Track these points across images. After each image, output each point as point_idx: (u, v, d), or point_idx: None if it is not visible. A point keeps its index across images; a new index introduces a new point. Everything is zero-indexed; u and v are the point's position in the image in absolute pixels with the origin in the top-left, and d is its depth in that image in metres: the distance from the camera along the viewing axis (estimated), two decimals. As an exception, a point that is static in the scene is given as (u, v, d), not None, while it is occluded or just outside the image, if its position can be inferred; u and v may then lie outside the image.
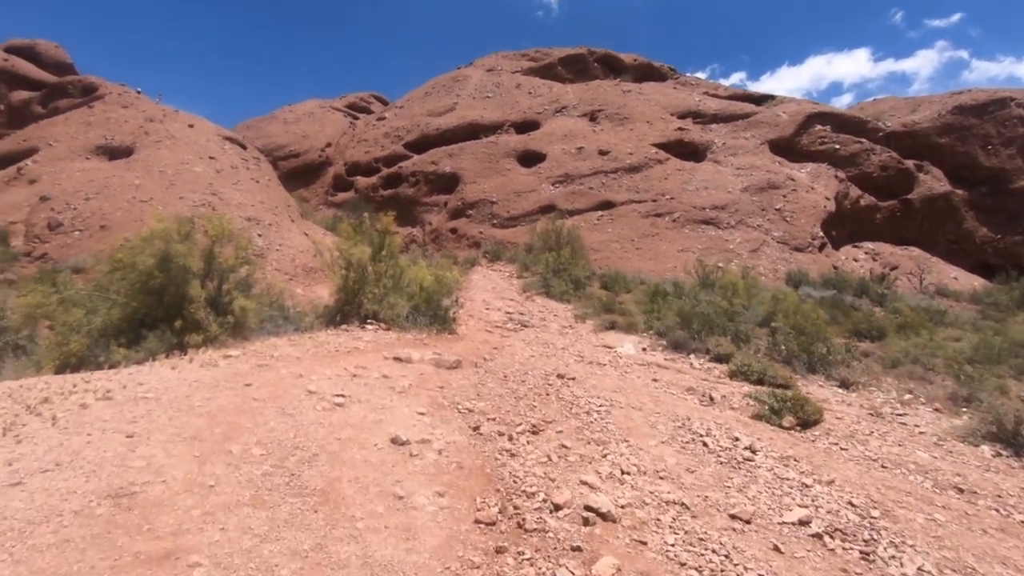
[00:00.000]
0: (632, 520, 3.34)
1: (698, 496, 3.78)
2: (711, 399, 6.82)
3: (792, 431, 5.55)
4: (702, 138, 31.17)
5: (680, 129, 31.05)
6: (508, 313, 16.93)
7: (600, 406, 6.12)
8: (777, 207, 27.74)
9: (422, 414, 5.24)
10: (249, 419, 4.55)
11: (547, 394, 6.61)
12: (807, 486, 4.10)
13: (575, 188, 30.17)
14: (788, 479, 4.20)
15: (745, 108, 32.36)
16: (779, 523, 3.54)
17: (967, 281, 27.58)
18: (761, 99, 34.38)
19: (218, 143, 28.59)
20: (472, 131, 34.09)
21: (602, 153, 30.79)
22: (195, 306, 8.18)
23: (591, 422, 5.46)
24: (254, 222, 22.17)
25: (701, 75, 39.85)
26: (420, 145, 35.55)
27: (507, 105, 35.31)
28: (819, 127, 30.56)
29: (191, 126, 29.19)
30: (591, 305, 16.91)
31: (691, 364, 9.42)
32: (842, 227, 28.89)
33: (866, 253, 28.13)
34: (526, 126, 33.69)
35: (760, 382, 7.72)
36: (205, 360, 6.65)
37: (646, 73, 38.04)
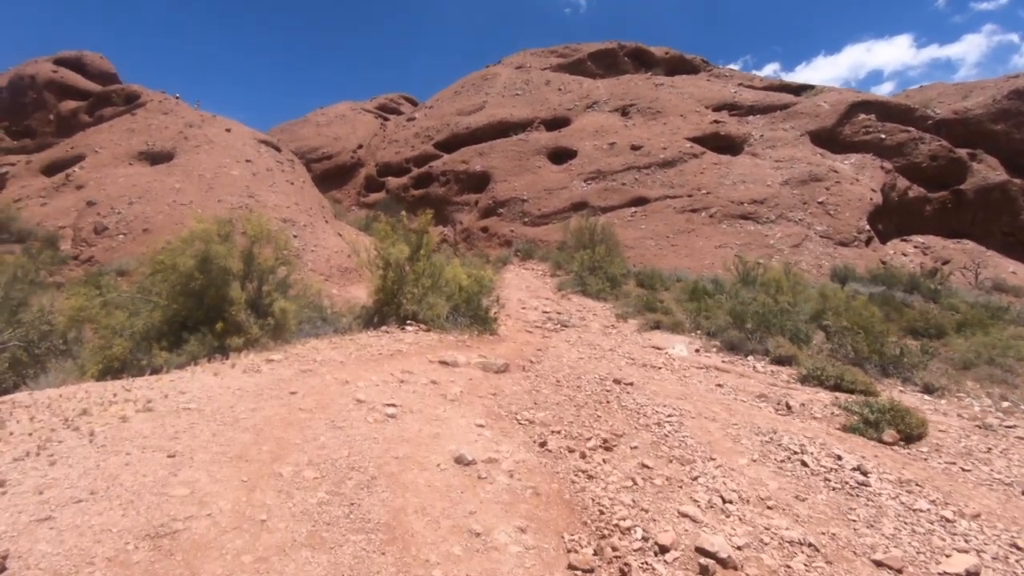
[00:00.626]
0: (759, 569, 2.77)
1: (823, 533, 3.20)
2: (788, 407, 6.16)
3: (895, 447, 4.89)
4: (738, 131, 30.08)
5: (715, 122, 30.01)
6: (546, 312, 16.41)
7: (669, 416, 5.54)
8: (820, 200, 26.55)
9: (481, 426, 4.74)
10: (298, 433, 4.11)
11: (607, 402, 6.05)
12: (949, 521, 3.47)
13: (607, 184, 29.42)
14: (922, 511, 3.57)
15: (783, 99, 31.11)
16: (939, 574, 2.92)
17: (1025, 275, 25.95)
18: (799, 89, 33.04)
19: (254, 146, 28.69)
20: (502, 129, 33.59)
21: (635, 148, 29.96)
22: (236, 308, 7.86)
23: (665, 435, 4.89)
24: (290, 223, 22.07)
25: (734, 67, 38.52)
26: (450, 144, 35.20)
27: (537, 102, 34.70)
28: (863, 116, 29.17)
29: (228, 130, 29.37)
30: (631, 304, 16.26)
31: (753, 367, 8.74)
32: (889, 220, 27.52)
33: (915, 247, 26.74)
34: (556, 123, 33.04)
35: (837, 388, 7.01)
36: (247, 365, 6.28)
37: (678, 66, 36.96)
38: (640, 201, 28.22)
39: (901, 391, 7.63)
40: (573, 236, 24.88)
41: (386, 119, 44.92)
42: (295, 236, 21.43)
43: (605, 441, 4.54)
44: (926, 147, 28.16)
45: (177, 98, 30.69)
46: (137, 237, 20.27)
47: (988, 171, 27.91)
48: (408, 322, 9.88)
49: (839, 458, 4.31)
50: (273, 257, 8.76)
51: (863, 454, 4.57)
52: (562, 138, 31.64)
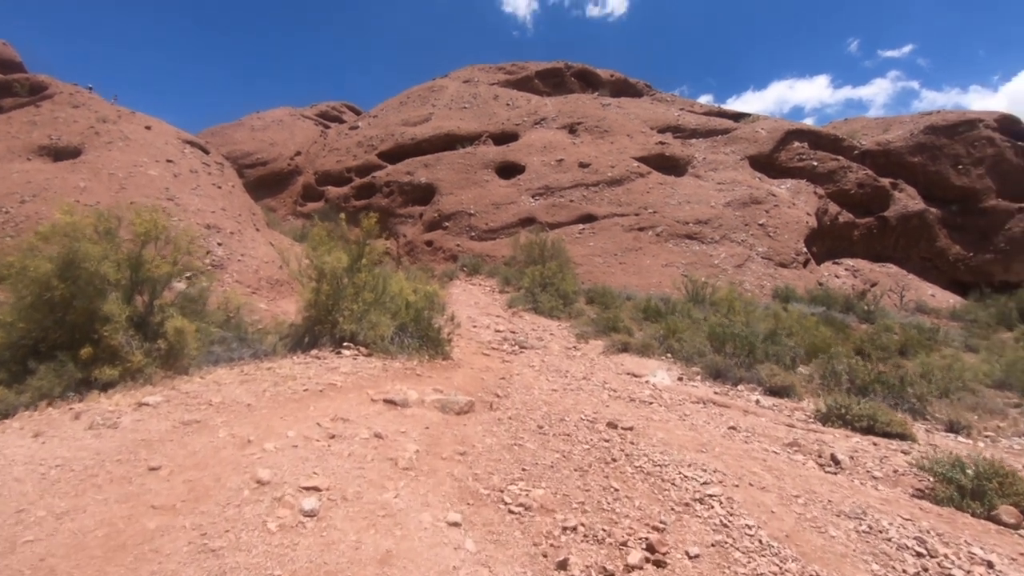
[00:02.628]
0: None
1: None
2: (835, 461, 4.72)
3: (1021, 531, 3.51)
4: (683, 152, 29.76)
5: (661, 143, 29.57)
6: (499, 331, 14.70)
7: (705, 484, 3.93)
8: (760, 222, 26.39)
9: (456, 525, 2.95)
10: (128, 569, 2.18)
11: (614, 460, 4.39)
12: None
13: (556, 200, 28.24)
14: None
15: (724, 124, 31.16)
16: None
17: (943, 298, 26.70)
18: (738, 116, 33.33)
19: (177, 146, 25.55)
20: (449, 141, 31.87)
21: (583, 166, 29.00)
22: (111, 328, 5.66)
23: (722, 524, 3.27)
24: (214, 230, 19.33)
25: (675, 94, 38.73)
26: (395, 155, 33.10)
27: (484, 116, 33.26)
28: (797, 144, 29.54)
29: (148, 128, 26.06)
30: (589, 323, 14.85)
31: (755, 401, 7.34)
32: (822, 243, 27.76)
33: (847, 269, 27.02)
34: (504, 137, 31.68)
35: (870, 430, 5.68)
36: (102, 414, 4.17)
37: (622, 88, 36.64)
38: (589, 218, 27.18)
39: (928, 431, 6.43)
40: (522, 251, 23.41)
41: (327, 127, 42.13)
42: (220, 244, 18.74)
43: (649, 547, 2.85)
44: (853, 175, 28.75)
45: (90, 89, 27.12)
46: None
47: (908, 200, 28.79)
48: (345, 344, 7.90)
49: (990, 565, 2.84)
50: (171, 263, 6.59)
51: (994, 550, 3.12)
52: (510, 153, 30.27)
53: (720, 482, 3.97)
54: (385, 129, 34.97)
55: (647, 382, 8.25)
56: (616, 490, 3.71)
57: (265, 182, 36.13)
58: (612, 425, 5.41)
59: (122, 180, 20.35)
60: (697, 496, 3.65)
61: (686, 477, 4.03)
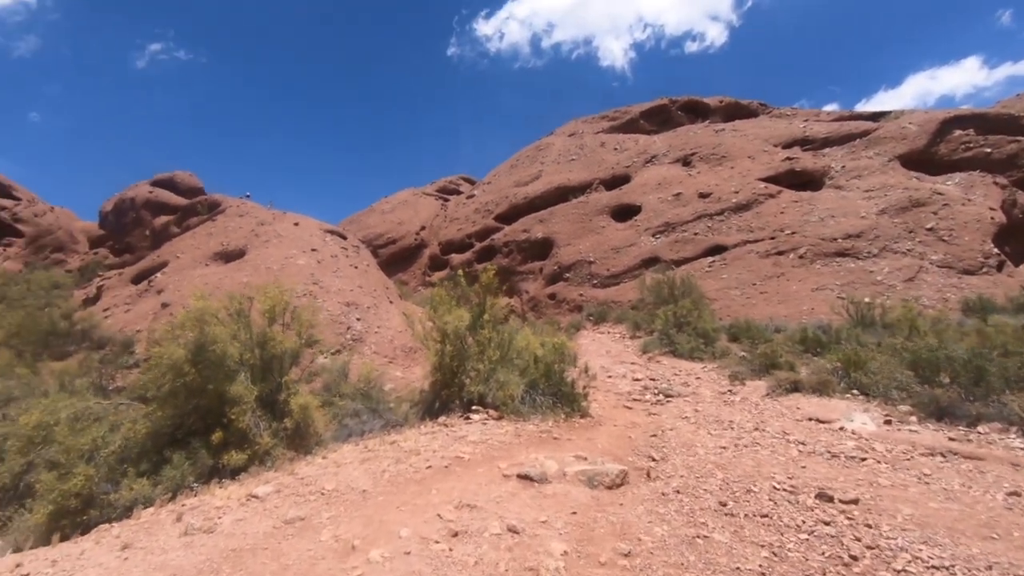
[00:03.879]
0: None
1: None
2: None
3: None
4: (816, 165, 26.57)
5: (788, 159, 26.71)
6: (637, 380, 13.21)
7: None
8: (928, 227, 22.25)
9: None
10: None
11: (853, 558, 2.92)
12: None
13: (678, 236, 26.35)
14: None
15: (861, 126, 27.51)
16: None
17: None
18: (875, 116, 29.36)
19: (320, 236, 27.89)
20: (560, 194, 31.60)
21: (703, 196, 26.98)
22: (239, 410, 5.36)
23: None
24: (353, 306, 20.26)
25: (795, 108, 35.46)
26: (510, 216, 33.50)
27: (593, 164, 32.71)
28: (959, 132, 25.05)
29: (296, 224, 28.86)
30: (740, 362, 12.84)
31: (1012, 448, 5.20)
32: (1017, 241, 22.65)
33: (1060, 267, 21.59)
34: (616, 181, 30.72)
35: None
36: (204, 514, 3.62)
37: (734, 112, 34.30)
38: (717, 249, 24.87)
39: None
40: (650, 292, 21.77)
41: (446, 199, 44.36)
42: (358, 319, 19.51)
43: None
44: (1045, 156, 23.52)
45: (248, 197, 30.89)
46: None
47: None
48: (474, 408, 7.11)
49: None
50: (295, 337, 6.33)
51: None
52: (624, 195, 29.16)
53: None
54: (499, 193, 35.76)
55: (842, 429, 6.36)
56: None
57: (396, 258, 38.37)
58: (825, 497, 3.87)
59: (276, 272, 22.30)
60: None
61: (996, 592, 2.46)
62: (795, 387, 9.02)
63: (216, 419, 5.56)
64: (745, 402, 8.81)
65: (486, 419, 6.62)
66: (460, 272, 9.25)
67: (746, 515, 3.53)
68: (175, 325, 5.66)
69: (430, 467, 4.56)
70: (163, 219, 38.04)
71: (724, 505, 3.75)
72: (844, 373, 9.00)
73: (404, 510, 3.45)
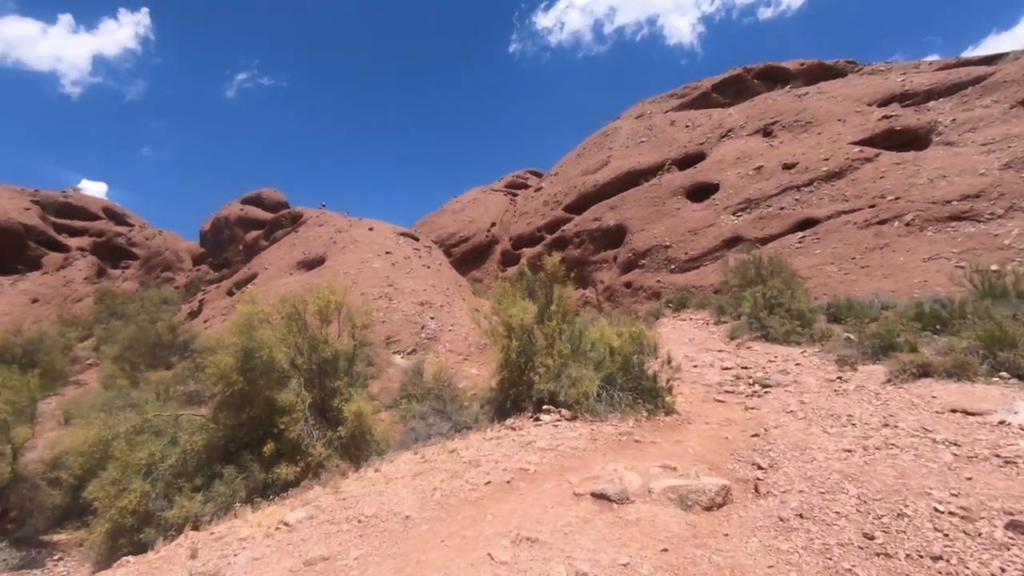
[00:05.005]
0: None
1: None
2: None
3: None
4: (919, 121, 23.59)
5: (886, 117, 23.91)
6: (726, 368, 12.09)
7: None
8: (1068, 178, 19.05)
9: None
10: None
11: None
12: None
13: (762, 212, 24.36)
14: None
15: (973, 72, 24.11)
16: None
17: None
18: (988, 60, 25.67)
19: (394, 239, 28.42)
20: (631, 178, 30.25)
21: (787, 167, 24.76)
22: (290, 420, 5.12)
23: None
24: (427, 306, 20.33)
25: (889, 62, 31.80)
26: (579, 205, 32.57)
27: (664, 144, 31.05)
28: (1101, 66, 21.31)
29: (371, 229, 29.60)
30: (848, 344, 11.40)
31: None
32: None
33: None
34: (689, 160, 28.96)
35: None
36: (220, 551, 3.28)
37: (818, 74, 31.27)
38: (808, 223, 22.73)
39: None
40: (734, 274, 20.19)
41: (515, 195, 44.03)
42: (432, 318, 19.51)
43: None
44: None
45: (323, 206, 32.06)
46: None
47: None
48: (544, 408, 6.53)
49: None
50: (349, 337, 6.04)
51: None
52: (699, 174, 27.41)
53: None
54: (567, 183, 34.90)
55: (1004, 424, 5.17)
56: None
57: (468, 257, 38.55)
58: (1020, 528, 2.93)
59: (354, 276, 22.84)
60: None
61: None
62: (924, 371, 7.67)
63: (268, 430, 5.33)
64: (862, 391, 7.61)
65: (558, 420, 6.02)
66: (524, 263, 8.69)
67: (908, 555, 2.68)
68: (229, 331, 5.54)
69: (489, 483, 4.00)
70: (253, 234, 40.44)
71: (871, 538, 2.90)
72: (987, 353, 7.55)
73: (450, 545, 2.94)
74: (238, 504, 4.41)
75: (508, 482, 3.94)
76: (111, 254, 41.74)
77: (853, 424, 5.51)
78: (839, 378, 8.68)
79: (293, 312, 5.77)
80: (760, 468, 4.24)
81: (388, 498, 3.75)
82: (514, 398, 6.94)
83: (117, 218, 43.68)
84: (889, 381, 7.69)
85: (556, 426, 5.65)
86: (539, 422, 5.84)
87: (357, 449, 5.33)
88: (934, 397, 6.40)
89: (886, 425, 5.35)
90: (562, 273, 7.57)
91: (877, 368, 8.43)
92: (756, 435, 5.52)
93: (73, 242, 38.84)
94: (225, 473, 4.83)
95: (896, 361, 7.90)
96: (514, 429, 5.67)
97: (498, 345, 7.07)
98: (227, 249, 41.55)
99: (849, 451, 4.51)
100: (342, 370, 5.79)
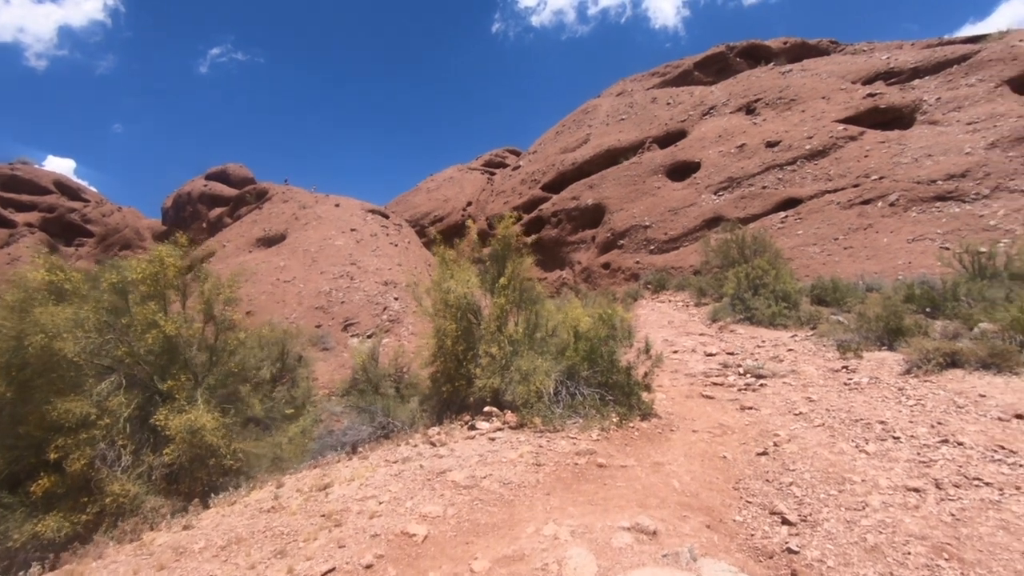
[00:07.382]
0: None
1: None
2: None
3: None
4: (904, 99, 22.78)
5: (871, 95, 23.05)
6: (711, 355, 11.02)
7: None
8: (1054, 158, 18.41)
9: None
10: None
11: None
12: None
13: (744, 191, 23.42)
14: None
15: (959, 50, 23.33)
16: None
17: None
18: (972, 40, 24.93)
19: (360, 216, 26.76)
20: (610, 157, 29.02)
21: (770, 145, 23.81)
22: (73, 441, 3.63)
23: None
24: (391, 285, 18.91)
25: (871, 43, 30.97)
26: (557, 184, 31.26)
27: (644, 122, 29.82)
28: (1088, 44, 20.66)
29: (337, 206, 27.86)
30: (844, 328, 10.46)
31: None
32: None
33: None
34: (670, 138, 27.82)
35: None
36: None
37: (801, 53, 30.29)
38: (790, 203, 21.87)
39: None
40: (716, 255, 19.22)
41: (492, 173, 42.45)
42: (395, 299, 18.12)
43: None
44: None
45: (286, 182, 30.13)
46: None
47: None
48: (487, 410, 5.22)
49: None
50: (205, 317, 4.63)
51: None
52: (680, 152, 26.30)
53: None
54: (545, 161, 33.51)
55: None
56: None
57: (443, 236, 37.04)
58: None
59: (314, 254, 21.24)
60: None
61: None
62: (952, 361, 6.57)
63: (39, 457, 3.81)
64: (879, 385, 6.48)
65: (499, 428, 4.67)
66: (469, 224, 7.40)
67: None
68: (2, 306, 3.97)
69: (331, 571, 2.57)
70: (217, 211, 38.16)
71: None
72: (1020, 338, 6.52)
73: None
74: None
75: (368, 568, 2.52)
76: (64, 231, 39.07)
77: (895, 437, 4.36)
78: (844, 368, 7.62)
79: (118, 283, 4.28)
80: (788, 523, 2.97)
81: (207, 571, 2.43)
82: (448, 396, 5.56)
83: (71, 193, 40.85)
84: (909, 372, 6.63)
85: (493, 439, 4.30)
86: (473, 431, 4.51)
87: (192, 482, 3.89)
88: (982, 396, 5.30)
89: (944, 441, 4.19)
90: (514, 237, 6.24)
91: (886, 356, 7.41)
92: (764, 453, 4.34)
93: (20, 217, 36.12)
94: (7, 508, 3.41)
95: (914, 348, 6.83)
96: (434, 444, 4.30)
97: (434, 328, 5.71)
98: (190, 227, 39.25)
99: (916, 491, 3.28)
100: (198, 365, 4.39)
